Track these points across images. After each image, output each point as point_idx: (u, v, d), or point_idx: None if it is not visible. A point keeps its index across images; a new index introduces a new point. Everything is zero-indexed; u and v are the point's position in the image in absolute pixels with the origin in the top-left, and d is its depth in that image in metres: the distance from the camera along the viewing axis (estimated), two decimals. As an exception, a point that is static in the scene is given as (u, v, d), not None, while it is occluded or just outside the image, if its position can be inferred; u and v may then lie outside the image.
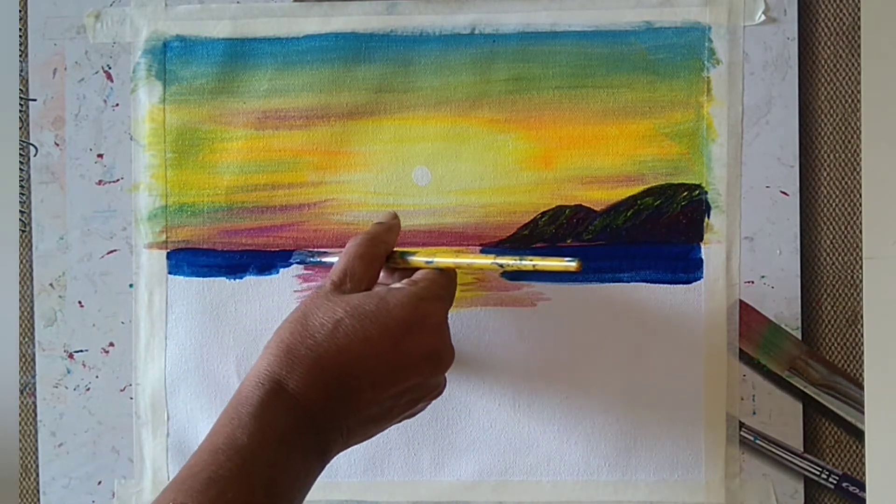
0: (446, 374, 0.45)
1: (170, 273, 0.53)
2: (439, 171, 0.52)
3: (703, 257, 0.52)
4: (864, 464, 0.51)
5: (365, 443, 0.52)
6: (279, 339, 0.41)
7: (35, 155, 0.53)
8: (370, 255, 0.45)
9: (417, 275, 0.44)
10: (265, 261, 0.53)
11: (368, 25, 0.52)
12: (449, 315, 0.44)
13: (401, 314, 0.41)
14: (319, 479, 0.54)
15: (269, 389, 0.39)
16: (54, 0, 0.53)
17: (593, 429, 0.52)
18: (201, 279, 0.53)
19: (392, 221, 0.48)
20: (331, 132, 0.53)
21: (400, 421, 0.45)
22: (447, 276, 0.45)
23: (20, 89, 0.53)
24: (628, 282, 0.52)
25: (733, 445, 0.52)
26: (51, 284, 0.53)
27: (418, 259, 0.45)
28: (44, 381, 0.53)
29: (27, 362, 0.54)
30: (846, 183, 0.52)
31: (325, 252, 0.52)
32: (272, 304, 0.53)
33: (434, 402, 0.46)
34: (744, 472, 0.52)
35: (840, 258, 0.52)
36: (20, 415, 0.53)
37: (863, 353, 0.51)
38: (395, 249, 0.47)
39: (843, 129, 0.52)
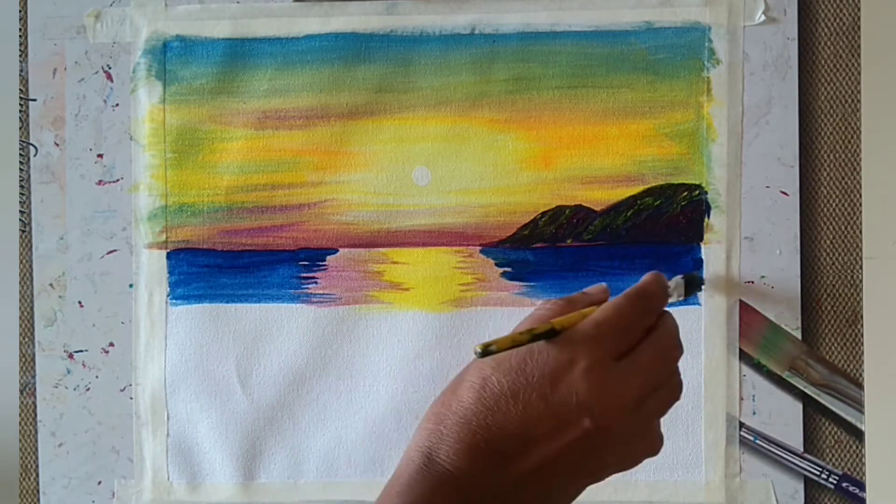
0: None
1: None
2: (439, 171, 0.52)
3: (703, 257, 0.52)
4: (864, 464, 0.51)
5: (365, 442, 0.53)
6: (431, 408, 0.38)
7: (35, 155, 0.53)
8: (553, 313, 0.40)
9: (572, 316, 0.39)
10: (265, 261, 0.53)
11: (368, 25, 0.52)
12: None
13: (544, 360, 0.37)
14: (319, 479, 0.54)
15: (418, 465, 0.36)
16: (54, 0, 0.53)
17: (593, 429, 0.52)
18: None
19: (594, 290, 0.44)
20: (331, 132, 0.53)
21: (598, 478, 0.39)
22: (614, 313, 0.39)
23: (20, 89, 0.53)
24: (628, 282, 0.52)
25: (733, 445, 0.52)
26: (51, 284, 0.53)
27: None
28: (44, 381, 0.53)
29: (27, 362, 0.54)
30: (846, 183, 0.52)
31: None
32: (272, 304, 0.53)
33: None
34: (744, 472, 0.52)
35: (840, 258, 0.52)
36: (20, 415, 0.53)
37: (863, 353, 0.51)
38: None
39: (843, 129, 0.52)
